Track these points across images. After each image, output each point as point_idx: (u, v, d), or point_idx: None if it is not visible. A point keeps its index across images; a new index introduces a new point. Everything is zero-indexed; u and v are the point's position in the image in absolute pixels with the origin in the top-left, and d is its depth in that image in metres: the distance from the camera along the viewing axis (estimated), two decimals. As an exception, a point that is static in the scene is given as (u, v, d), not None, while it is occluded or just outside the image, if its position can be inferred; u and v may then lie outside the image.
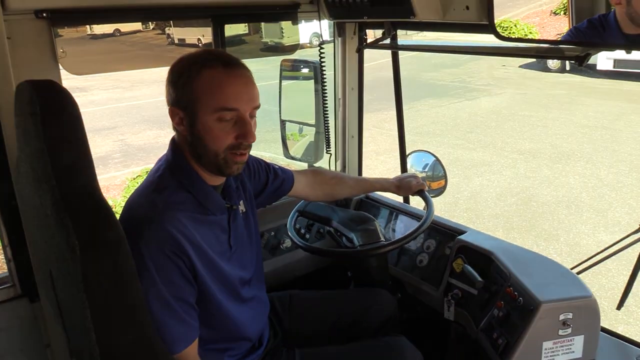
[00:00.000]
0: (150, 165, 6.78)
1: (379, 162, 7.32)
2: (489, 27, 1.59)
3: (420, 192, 2.03)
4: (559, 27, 1.56)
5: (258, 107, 1.35)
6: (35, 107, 0.99)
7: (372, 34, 2.35)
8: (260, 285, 1.60)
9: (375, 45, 2.18)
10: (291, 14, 2.06)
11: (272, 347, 1.64)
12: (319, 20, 2.08)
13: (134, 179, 6.46)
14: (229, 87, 1.29)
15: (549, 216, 6.04)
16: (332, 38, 2.31)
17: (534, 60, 13.79)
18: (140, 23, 2.60)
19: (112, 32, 2.19)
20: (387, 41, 2.16)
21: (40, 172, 1.01)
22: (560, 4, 1.55)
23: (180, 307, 1.28)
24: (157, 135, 9.76)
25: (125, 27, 2.36)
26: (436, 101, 11.33)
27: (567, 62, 12.50)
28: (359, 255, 1.84)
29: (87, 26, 1.86)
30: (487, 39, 1.77)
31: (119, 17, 1.75)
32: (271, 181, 1.76)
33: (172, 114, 1.35)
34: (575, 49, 1.51)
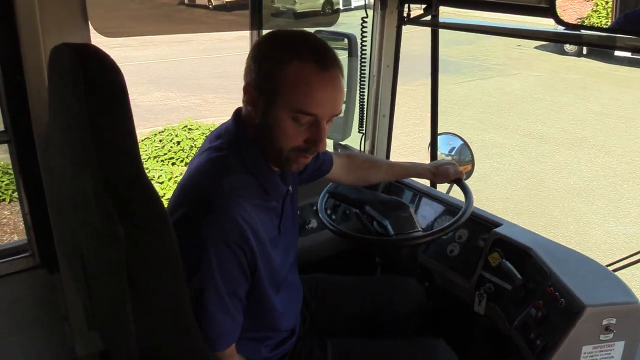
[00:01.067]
0: (158, 127, 6.71)
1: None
2: (548, 11, 1.49)
3: (457, 181, 1.95)
4: (579, 11, 1.48)
5: (339, 114, 1.23)
6: (77, 74, 0.88)
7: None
8: (295, 269, 1.54)
9: (417, 21, 2.06)
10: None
11: (302, 333, 1.58)
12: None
13: (142, 140, 6.38)
14: (316, 91, 1.15)
15: (559, 203, 5.99)
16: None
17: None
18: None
19: None
20: (428, 18, 2.05)
21: (79, 147, 0.92)
22: None
23: (232, 303, 1.21)
24: (166, 97, 9.64)
25: None
26: (449, 78, 11.14)
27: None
28: (394, 244, 1.78)
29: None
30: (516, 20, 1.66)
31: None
32: (312, 161, 1.67)
33: (246, 92, 1.23)
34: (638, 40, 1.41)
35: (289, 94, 1.15)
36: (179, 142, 6.34)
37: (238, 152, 1.26)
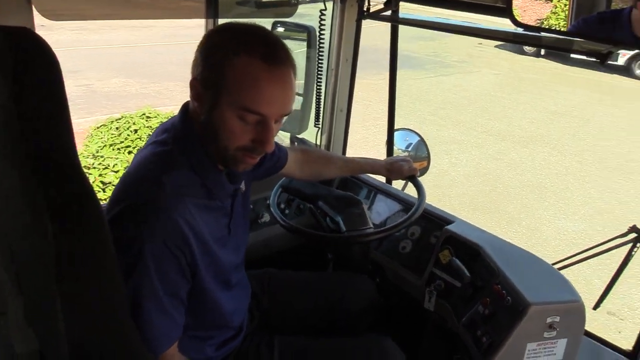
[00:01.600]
0: (116, 114, 6.53)
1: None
2: (505, 11, 1.50)
3: (411, 178, 1.95)
4: (539, 12, 1.50)
5: (289, 114, 1.18)
6: (5, 60, 0.83)
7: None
8: (243, 266, 1.51)
9: (376, 16, 2.05)
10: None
11: (250, 331, 1.56)
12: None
13: (98, 127, 6.20)
14: (264, 90, 1.10)
15: (514, 199, 6.14)
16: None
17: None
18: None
19: None
20: (389, 13, 2.04)
21: (7, 137, 0.86)
22: None
23: (170, 304, 1.15)
24: (124, 84, 9.38)
25: None
26: (410, 74, 11.25)
27: (542, 46, 12.72)
28: (346, 241, 1.77)
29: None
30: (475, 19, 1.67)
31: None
32: (268, 158, 1.62)
33: (192, 86, 1.17)
34: (598, 45, 1.43)
35: (235, 91, 1.10)
36: (136, 130, 6.16)
37: (183, 149, 1.20)
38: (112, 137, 6.07)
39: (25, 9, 1.39)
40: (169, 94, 8.94)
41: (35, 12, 1.43)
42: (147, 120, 6.33)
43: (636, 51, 11.29)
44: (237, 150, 1.17)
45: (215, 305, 1.32)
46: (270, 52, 1.11)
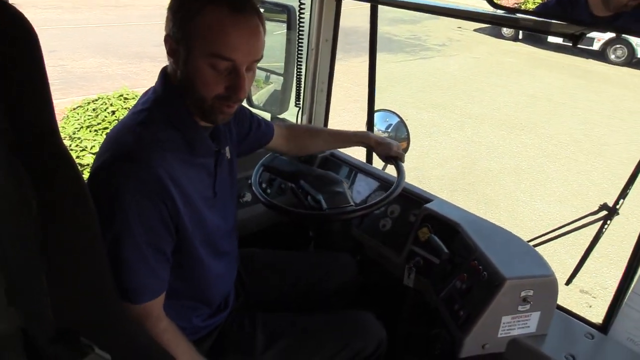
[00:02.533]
0: (92, 95, 6.43)
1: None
2: (483, -8, 1.52)
3: (395, 159, 1.97)
4: None
5: (259, 59, 1.22)
6: None
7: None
8: (234, 240, 1.52)
9: (356, -4, 2.05)
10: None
11: (235, 307, 1.58)
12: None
13: (74, 109, 6.09)
14: (230, 35, 1.14)
15: (492, 182, 6.22)
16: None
17: (489, 25, 13.94)
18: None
19: None
20: (368, -7, 2.05)
21: None
22: None
23: (153, 256, 1.17)
24: (101, 64, 9.21)
25: None
26: (390, 57, 11.27)
27: (520, 31, 12.84)
28: (328, 218, 1.79)
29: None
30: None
31: None
32: (254, 130, 1.65)
33: (167, 44, 1.21)
34: (570, 27, 1.46)
35: (204, 40, 1.14)
36: (114, 112, 6.07)
37: (163, 108, 1.24)
38: (89, 119, 5.97)
39: None
40: (147, 75, 8.81)
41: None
42: (124, 102, 6.23)
43: (610, 36, 11.48)
44: (214, 100, 1.21)
45: (203, 271, 1.35)
46: (236, 2, 1.15)
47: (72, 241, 0.89)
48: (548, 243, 1.93)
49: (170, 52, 1.21)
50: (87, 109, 6.10)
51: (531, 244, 1.84)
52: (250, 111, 1.70)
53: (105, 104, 6.16)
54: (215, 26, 1.14)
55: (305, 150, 1.97)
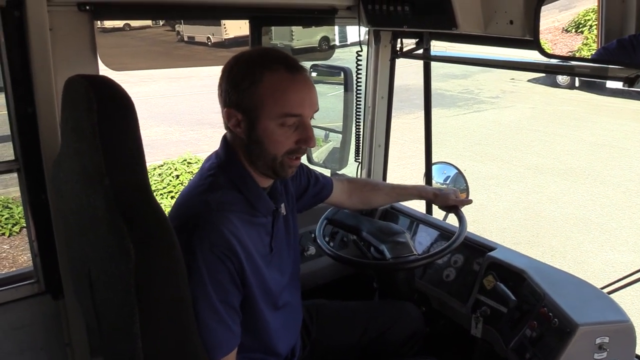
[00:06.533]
0: (158, 161, 6.74)
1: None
2: (533, 43, 1.57)
3: (454, 208, 2.00)
4: (570, 45, 1.55)
5: (317, 110, 1.34)
6: (91, 104, 0.96)
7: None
8: (295, 292, 1.57)
9: (409, 55, 2.15)
10: (328, 19, 2.04)
11: (301, 358, 1.61)
12: (359, 27, 2.05)
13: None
14: (294, 93, 1.27)
15: (557, 232, 6.01)
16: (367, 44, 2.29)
17: (542, 75, 13.83)
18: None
19: (122, 26, 2.16)
20: (420, 51, 2.15)
21: (93, 170, 0.98)
22: (572, 22, 1.53)
23: (226, 312, 1.26)
24: (166, 132, 9.73)
25: (135, 22, 2.32)
26: (444, 111, 11.32)
27: (576, 78, 12.66)
28: (391, 267, 1.81)
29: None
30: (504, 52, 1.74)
31: (159, 13, 1.73)
32: (312, 185, 1.74)
33: (229, 116, 1.32)
34: (625, 70, 1.48)
35: (271, 103, 1.25)
36: (178, 176, 6.38)
37: (227, 172, 1.35)
38: (155, 184, 6.28)
39: (92, 61, 1.57)
40: (208, 140, 9.22)
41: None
42: (188, 166, 6.55)
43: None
44: (284, 155, 1.31)
45: (264, 323, 1.40)
46: (289, 64, 1.28)
47: (163, 284, 0.97)
48: (623, 290, 1.87)
49: (235, 123, 1.31)
50: (153, 174, 6.43)
51: (605, 290, 1.79)
52: (307, 167, 1.80)
53: (170, 168, 6.49)
54: (280, 88, 1.26)
55: (367, 203, 2.03)
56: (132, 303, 0.92)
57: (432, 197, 2.04)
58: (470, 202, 2.11)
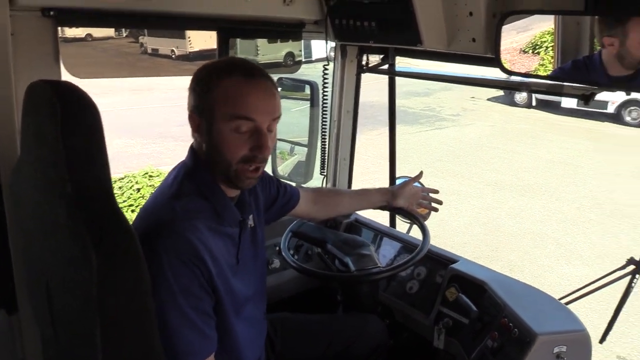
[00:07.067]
0: (119, 174, 6.61)
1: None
2: (494, 61, 1.62)
3: (418, 220, 2.02)
4: (527, 65, 1.60)
5: (278, 118, 1.33)
6: (55, 109, 0.93)
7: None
8: (260, 305, 1.56)
9: (375, 70, 2.19)
10: (296, 32, 2.06)
11: (266, 371, 1.59)
12: (326, 41, 2.07)
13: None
14: (248, 96, 1.27)
15: (515, 247, 6.17)
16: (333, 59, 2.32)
17: (501, 93, 14.25)
18: (113, 30, 2.56)
19: (83, 36, 2.12)
20: (386, 67, 2.19)
21: (55, 178, 0.95)
22: (529, 43, 1.59)
23: (198, 317, 1.24)
24: (127, 145, 9.56)
25: (97, 32, 2.28)
26: (407, 128, 11.51)
27: (533, 97, 13.09)
28: (356, 279, 1.82)
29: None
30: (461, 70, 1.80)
31: (124, 22, 1.71)
32: (281, 196, 1.74)
33: (191, 120, 1.32)
34: (580, 88, 1.55)
35: (225, 105, 1.26)
36: (139, 189, 6.26)
37: (193, 179, 1.34)
38: (115, 197, 6.14)
39: (54, 67, 1.53)
40: (170, 154, 9.10)
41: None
42: (149, 179, 6.43)
43: (625, 98, 11.59)
44: (239, 163, 1.30)
45: (231, 330, 1.39)
46: (248, 69, 1.29)
47: (126, 297, 0.95)
48: (579, 304, 1.92)
49: (195, 127, 1.32)
50: (114, 187, 6.28)
51: (563, 301, 1.84)
52: (276, 177, 1.81)
53: (131, 181, 6.36)
54: (233, 91, 1.26)
55: (333, 209, 2.04)
56: (92, 310, 0.89)
57: (390, 196, 2.06)
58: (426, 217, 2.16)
